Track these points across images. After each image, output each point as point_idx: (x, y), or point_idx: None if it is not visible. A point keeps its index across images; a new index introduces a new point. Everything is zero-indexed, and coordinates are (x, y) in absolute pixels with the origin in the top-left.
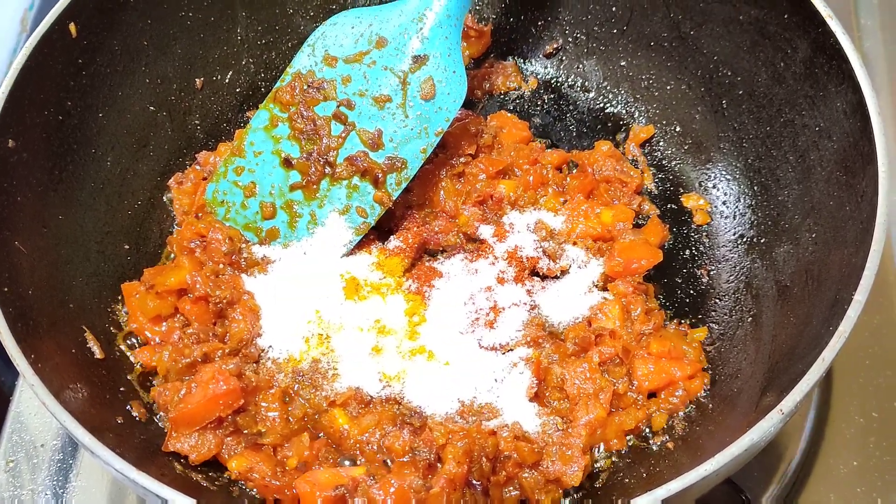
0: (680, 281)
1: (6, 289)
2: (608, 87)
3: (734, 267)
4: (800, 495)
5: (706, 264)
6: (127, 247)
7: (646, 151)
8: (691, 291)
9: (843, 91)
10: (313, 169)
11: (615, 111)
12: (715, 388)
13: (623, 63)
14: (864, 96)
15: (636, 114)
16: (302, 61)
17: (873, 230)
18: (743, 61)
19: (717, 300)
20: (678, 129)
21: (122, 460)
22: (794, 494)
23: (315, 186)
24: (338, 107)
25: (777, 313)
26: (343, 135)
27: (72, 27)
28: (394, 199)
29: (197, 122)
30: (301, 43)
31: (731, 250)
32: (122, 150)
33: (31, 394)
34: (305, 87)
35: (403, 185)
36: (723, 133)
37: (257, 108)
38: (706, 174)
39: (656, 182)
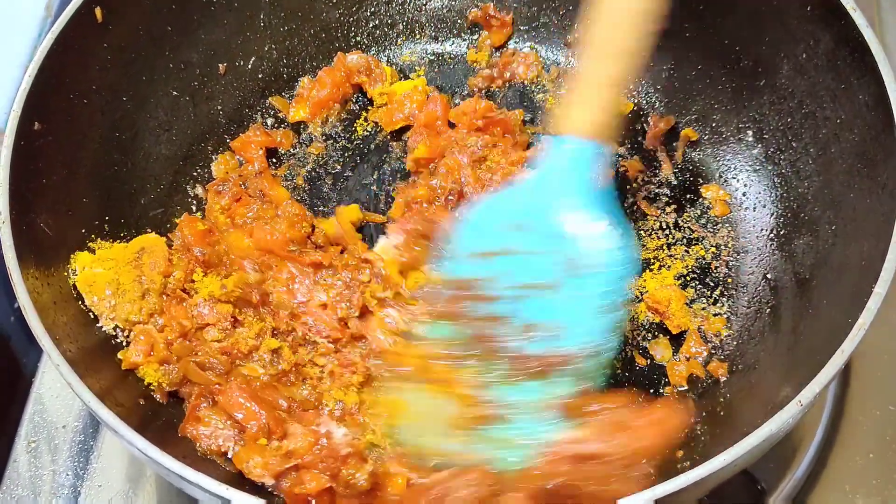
0: (698, 272)
1: (32, 269)
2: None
3: (753, 258)
4: (815, 486)
5: (724, 255)
6: (149, 231)
7: (665, 142)
8: (709, 283)
9: (866, 84)
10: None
11: (635, 101)
12: (733, 379)
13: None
14: (887, 89)
15: (656, 104)
16: (448, 268)
17: (894, 223)
18: (765, 53)
19: (735, 291)
20: (698, 119)
21: (144, 440)
22: (810, 485)
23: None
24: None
25: (796, 305)
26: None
27: (98, 12)
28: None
29: (219, 107)
30: (323, 31)
31: (750, 242)
32: (145, 134)
33: (52, 375)
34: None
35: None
36: (743, 124)
37: (279, 93)
38: (726, 165)
39: (676, 173)
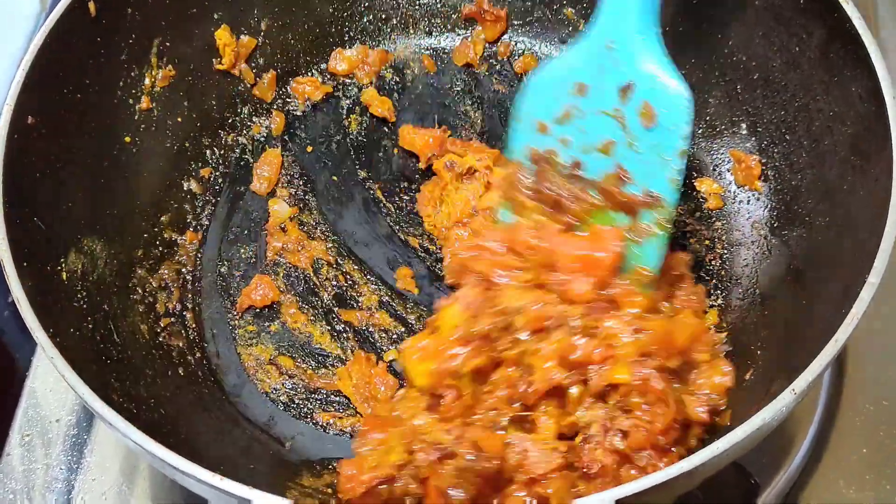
0: (692, 265)
1: (26, 264)
2: None
3: (747, 251)
4: (809, 481)
5: (718, 248)
6: (144, 224)
7: None
8: (703, 276)
9: (859, 76)
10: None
11: None
12: None
13: None
14: (880, 81)
15: None
16: (516, 141)
17: (887, 214)
18: (758, 46)
19: (730, 284)
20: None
21: (139, 432)
22: (803, 480)
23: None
24: (570, 170)
25: (790, 297)
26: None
27: (91, 6)
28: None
29: (213, 102)
30: (317, 25)
31: (743, 235)
32: (140, 129)
33: (46, 369)
34: (532, 165)
35: (668, 227)
36: (737, 118)
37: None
38: (720, 159)
39: None
